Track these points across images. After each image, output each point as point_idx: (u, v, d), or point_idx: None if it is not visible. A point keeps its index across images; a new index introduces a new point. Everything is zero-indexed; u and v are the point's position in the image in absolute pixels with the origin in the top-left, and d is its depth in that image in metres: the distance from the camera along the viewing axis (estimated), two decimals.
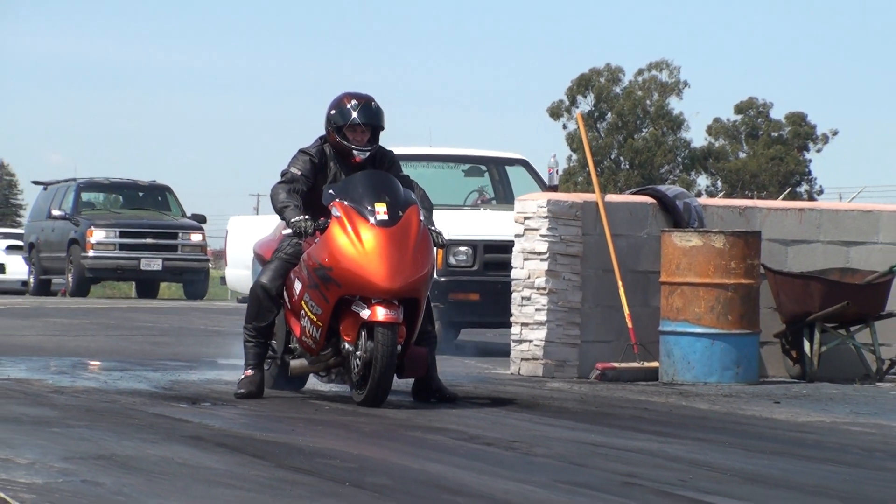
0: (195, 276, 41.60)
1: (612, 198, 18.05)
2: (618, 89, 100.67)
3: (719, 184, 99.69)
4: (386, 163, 13.82)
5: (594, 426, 12.69)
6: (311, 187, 13.59)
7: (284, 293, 13.77)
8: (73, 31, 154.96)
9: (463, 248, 20.14)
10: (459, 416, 12.94)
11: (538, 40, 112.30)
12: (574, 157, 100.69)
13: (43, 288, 42.53)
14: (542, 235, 17.35)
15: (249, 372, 13.82)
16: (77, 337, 23.09)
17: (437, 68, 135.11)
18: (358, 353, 12.98)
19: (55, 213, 41.55)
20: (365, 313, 12.85)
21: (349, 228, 12.97)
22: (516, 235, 17.71)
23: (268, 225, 25.69)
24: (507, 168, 23.86)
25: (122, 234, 40.38)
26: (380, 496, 8.72)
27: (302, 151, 13.72)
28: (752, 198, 41.00)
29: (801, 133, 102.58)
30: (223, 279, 30.40)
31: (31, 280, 43.93)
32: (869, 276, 17.50)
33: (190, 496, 8.39)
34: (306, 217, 13.20)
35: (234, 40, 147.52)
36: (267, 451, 10.58)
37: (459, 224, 21.06)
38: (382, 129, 13.77)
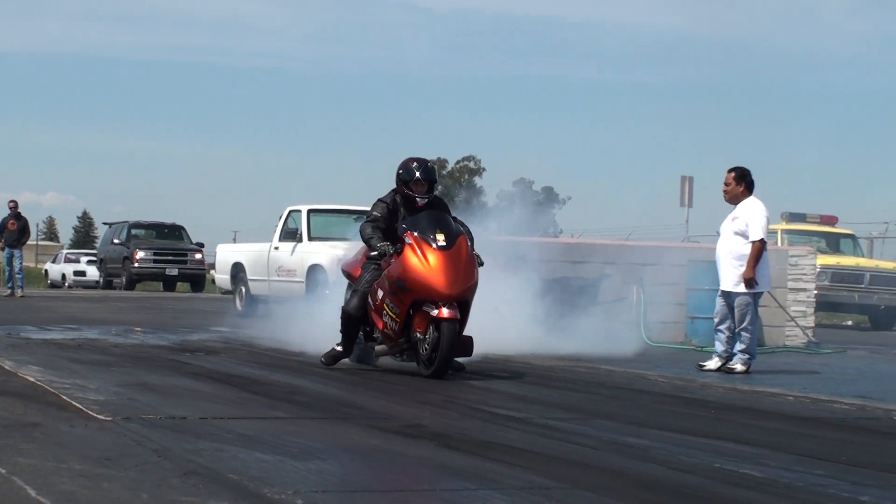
0: (197, 279, 41.57)
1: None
2: (445, 172, 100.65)
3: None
4: (440, 206, 12.10)
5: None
6: (387, 225, 11.87)
7: (369, 298, 11.84)
8: (125, 131, 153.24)
9: None
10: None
11: (393, 142, 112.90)
12: None
13: (107, 285, 42.11)
14: None
15: (339, 348, 12.17)
16: (127, 314, 22.85)
17: (344, 158, 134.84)
18: (427, 341, 11.31)
19: (115, 241, 41.91)
20: (434, 312, 11.15)
21: (418, 251, 11.33)
22: None
23: (242, 251, 25.58)
24: None
25: (155, 254, 40.37)
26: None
27: (380, 200, 12.00)
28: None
29: (551, 198, 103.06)
30: (213, 281, 30.18)
31: (101, 280, 43.61)
32: (586, 280, 17.58)
33: (188, 407, 8.27)
34: (388, 243, 11.61)
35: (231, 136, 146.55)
36: (234, 381, 10.44)
37: (352, 248, 20.97)
38: (436, 182, 12.17)
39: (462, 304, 11.30)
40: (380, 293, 11.66)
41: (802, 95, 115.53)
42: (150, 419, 7.54)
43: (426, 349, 11.28)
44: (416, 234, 11.44)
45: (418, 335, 11.37)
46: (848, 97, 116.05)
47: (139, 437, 6.75)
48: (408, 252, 11.36)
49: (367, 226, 11.89)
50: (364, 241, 11.92)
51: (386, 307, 11.53)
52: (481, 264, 11.59)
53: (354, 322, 11.97)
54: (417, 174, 11.87)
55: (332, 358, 12.12)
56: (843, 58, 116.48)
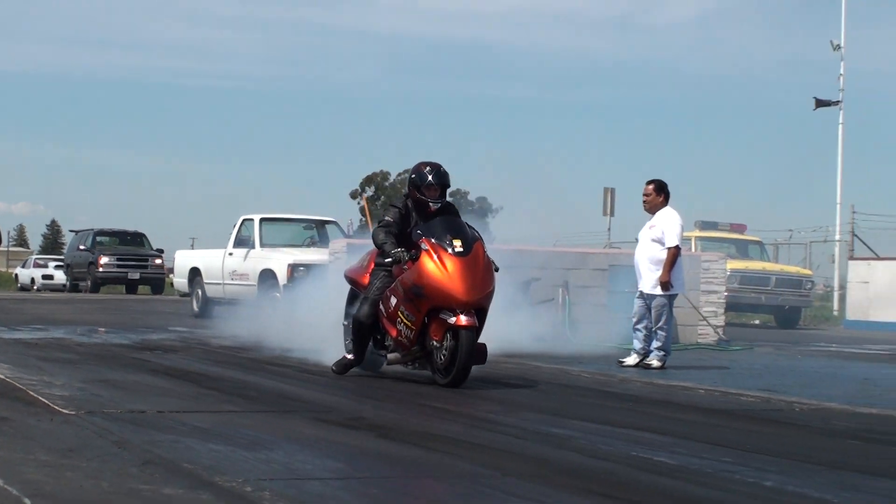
0: (157, 282, 41.30)
1: None
2: (387, 183, 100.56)
3: None
4: (452, 212, 10.87)
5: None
6: (400, 230, 10.68)
7: (381, 305, 10.69)
8: (87, 142, 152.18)
9: (301, 267, 19.98)
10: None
11: (340, 155, 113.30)
12: (362, 220, 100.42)
13: (74, 288, 41.74)
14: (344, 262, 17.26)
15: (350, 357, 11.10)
16: (91, 315, 22.63)
17: (291, 171, 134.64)
18: (444, 349, 10.21)
19: (81, 247, 41.62)
20: (452, 320, 10.07)
21: (435, 257, 10.18)
22: (329, 261, 17.54)
23: (199, 257, 25.44)
24: (326, 225, 23.73)
25: (119, 259, 40.12)
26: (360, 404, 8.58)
27: (392, 205, 10.80)
28: None
29: (484, 208, 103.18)
30: (172, 284, 29.99)
31: (68, 284, 43.26)
32: (516, 283, 17.51)
33: (147, 402, 8.21)
34: (402, 249, 10.42)
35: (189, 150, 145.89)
36: (190, 377, 10.39)
37: (300, 254, 21.01)
38: (449, 186, 10.79)
39: (479, 311, 10.29)
40: (393, 300, 10.54)
41: (715, 114, 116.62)
42: (112, 413, 7.49)
43: (443, 357, 10.22)
44: (432, 240, 10.37)
45: (434, 343, 10.28)
46: (756, 116, 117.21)
47: (101, 429, 6.71)
48: (424, 258, 10.28)
49: (380, 231, 10.71)
50: (377, 246, 10.73)
51: (400, 315, 10.41)
52: (496, 270, 10.55)
53: (366, 330, 10.83)
54: (430, 178, 10.71)
55: (343, 367, 11.04)
56: (743, 79, 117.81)
